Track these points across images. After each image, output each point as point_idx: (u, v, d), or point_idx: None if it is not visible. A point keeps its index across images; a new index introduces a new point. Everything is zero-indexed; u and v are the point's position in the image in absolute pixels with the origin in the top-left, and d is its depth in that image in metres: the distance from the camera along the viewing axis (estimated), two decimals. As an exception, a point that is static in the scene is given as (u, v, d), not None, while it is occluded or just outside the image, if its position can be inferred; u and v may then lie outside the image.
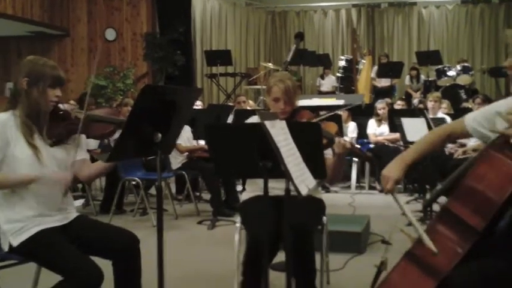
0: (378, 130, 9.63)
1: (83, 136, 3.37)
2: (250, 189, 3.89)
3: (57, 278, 2.92)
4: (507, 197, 2.35)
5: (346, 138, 3.80)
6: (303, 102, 4.56)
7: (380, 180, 8.43)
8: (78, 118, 3.22)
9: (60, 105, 3.31)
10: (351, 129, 9.83)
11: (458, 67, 13.22)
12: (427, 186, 7.94)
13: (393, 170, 2.78)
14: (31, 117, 3.14)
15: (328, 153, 3.67)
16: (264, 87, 3.95)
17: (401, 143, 8.68)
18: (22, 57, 13.51)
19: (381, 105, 9.70)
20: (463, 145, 8.25)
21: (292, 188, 2.60)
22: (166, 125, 2.99)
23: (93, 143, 7.35)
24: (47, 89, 3.14)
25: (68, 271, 2.89)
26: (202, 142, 7.78)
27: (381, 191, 9.13)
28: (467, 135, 2.85)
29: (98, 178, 7.76)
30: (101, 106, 8.29)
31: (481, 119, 2.78)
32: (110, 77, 13.41)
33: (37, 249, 3.03)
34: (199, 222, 6.99)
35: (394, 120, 8.22)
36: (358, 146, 8.15)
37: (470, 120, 2.82)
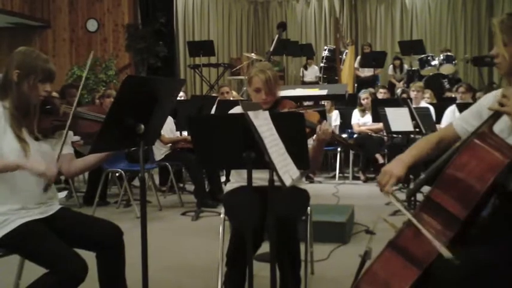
0: (361, 120, 9.66)
1: (70, 132, 3.33)
2: (234, 180, 3.88)
3: (40, 270, 2.90)
4: (489, 186, 2.35)
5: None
6: (286, 93, 4.55)
7: (363, 169, 8.37)
8: (66, 114, 3.16)
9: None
10: (334, 117, 9.86)
11: (441, 56, 13.27)
12: (411, 176, 7.96)
13: (395, 167, 2.69)
14: (20, 110, 3.10)
15: (309, 142, 3.67)
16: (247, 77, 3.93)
17: (384, 132, 8.71)
18: (2, 49, 13.48)
19: (364, 95, 9.72)
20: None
21: (276, 178, 2.59)
22: (149, 116, 2.97)
23: (76, 135, 7.30)
24: (37, 84, 3.11)
25: (51, 263, 2.87)
26: (185, 133, 7.76)
27: (364, 180, 9.21)
28: (458, 138, 2.81)
29: (82, 174, 7.71)
30: (87, 104, 8.20)
31: (468, 117, 2.79)
32: (92, 68, 13.34)
33: (21, 241, 3.00)
34: (183, 214, 6.98)
35: (377, 110, 8.24)
36: (345, 136, 8.16)
37: (458, 121, 2.83)
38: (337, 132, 9.04)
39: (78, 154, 3.57)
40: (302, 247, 3.72)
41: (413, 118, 7.24)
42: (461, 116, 2.86)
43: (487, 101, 2.68)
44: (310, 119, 3.63)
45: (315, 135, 3.59)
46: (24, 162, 3.02)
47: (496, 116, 2.49)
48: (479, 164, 2.38)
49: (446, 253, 2.30)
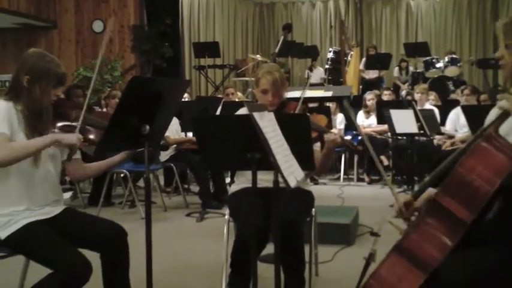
0: (366, 122, 9.65)
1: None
2: (238, 182, 3.88)
3: (45, 270, 2.91)
4: (496, 189, 2.34)
5: (335, 130, 3.81)
6: (292, 94, 4.56)
7: (368, 171, 8.37)
8: (77, 118, 3.16)
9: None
10: (339, 120, 9.85)
11: (446, 59, 13.25)
12: (416, 178, 7.96)
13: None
14: (33, 113, 3.09)
15: (316, 145, 3.68)
16: (253, 79, 3.93)
17: (389, 134, 8.71)
18: (8, 49, 13.49)
19: (369, 96, 9.73)
20: (451, 137, 8.29)
21: (281, 179, 2.59)
22: (154, 117, 2.97)
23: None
24: (50, 88, 3.11)
25: (56, 263, 2.87)
26: (190, 134, 7.77)
27: (369, 182, 9.20)
28: None
29: (88, 179, 7.73)
30: (96, 112, 8.15)
31: None
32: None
33: (25, 241, 3.01)
34: (188, 215, 6.98)
35: (382, 112, 8.24)
36: (349, 137, 8.21)
37: None
38: (343, 135, 9.03)
39: (83, 154, 3.58)
40: (306, 248, 3.72)
41: (418, 120, 7.24)
42: None
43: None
44: (319, 122, 3.64)
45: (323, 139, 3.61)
46: (54, 137, 3.02)
47: (501, 117, 2.48)
48: (487, 168, 2.37)
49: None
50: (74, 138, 3.06)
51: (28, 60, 3.13)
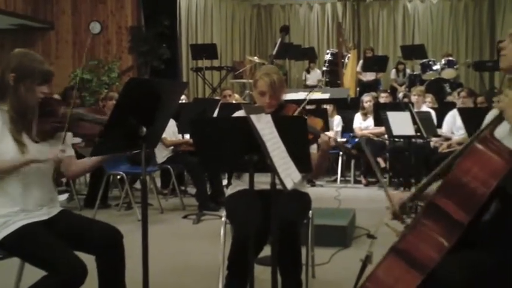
0: (363, 124, 9.64)
1: (70, 134, 3.33)
2: (235, 184, 3.88)
3: (40, 273, 2.90)
4: (491, 191, 2.35)
5: (332, 132, 3.81)
6: (289, 96, 4.56)
7: (365, 173, 8.38)
8: (65, 115, 3.16)
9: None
10: (336, 122, 9.84)
11: (443, 61, 13.28)
12: (412, 180, 7.96)
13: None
14: (19, 113, 3.08)
15: (313, 148, 3.67)
16: (250, 80, 3.94)
17: (386, 136, 8.71)
18: (5, 50, 13.45)
19: (367, 98, 9.72)
20: (447, 139, 8.29)
21: (277, 181, 2.59)
22: (152, 118, 2.97)
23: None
24: (34, 87, 3.10)
25: (51, 266, 2.86)
26: (187, 136, 7.76)
27: (365, 184, 9.21)
28: None
29: (83, 175, 7.72)
30: (88, 107, 8.19)
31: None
32: (95, 71, 13.34)
33: (20, 243, 2.99)
34: (185, 217, 6.97)
35: (379, 114, 8.25)
36: (344, 140, 8.18)
37: None
38: (339, 137, 9.04)
39: (80, 156, 3.57)
40: (303, 251, 3.72)
41: (414, 122, 7.24)
42: None
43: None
44: (314, 125, 3.64)
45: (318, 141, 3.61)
46: (28, 159, 3.03)
47: (497, 120, 2.49)
48: (482, 170, 2.37)
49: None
50: (49, 156, 3.09)
51: (12, 60, 3.13)
